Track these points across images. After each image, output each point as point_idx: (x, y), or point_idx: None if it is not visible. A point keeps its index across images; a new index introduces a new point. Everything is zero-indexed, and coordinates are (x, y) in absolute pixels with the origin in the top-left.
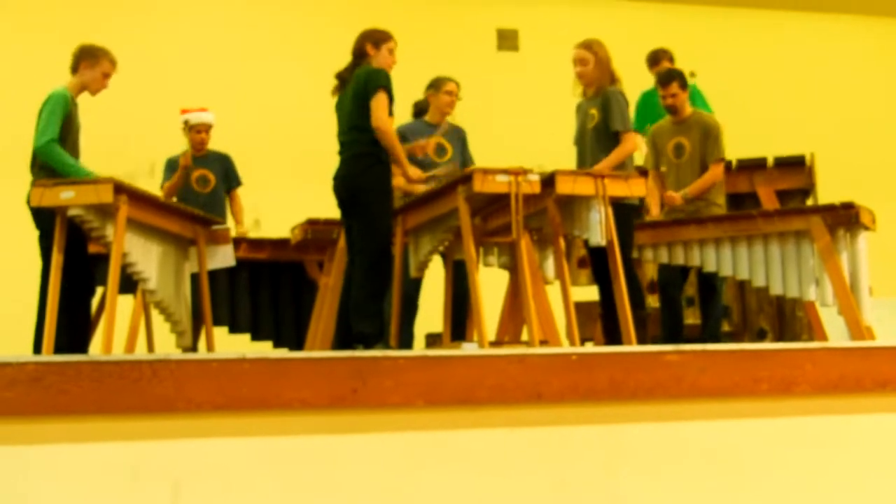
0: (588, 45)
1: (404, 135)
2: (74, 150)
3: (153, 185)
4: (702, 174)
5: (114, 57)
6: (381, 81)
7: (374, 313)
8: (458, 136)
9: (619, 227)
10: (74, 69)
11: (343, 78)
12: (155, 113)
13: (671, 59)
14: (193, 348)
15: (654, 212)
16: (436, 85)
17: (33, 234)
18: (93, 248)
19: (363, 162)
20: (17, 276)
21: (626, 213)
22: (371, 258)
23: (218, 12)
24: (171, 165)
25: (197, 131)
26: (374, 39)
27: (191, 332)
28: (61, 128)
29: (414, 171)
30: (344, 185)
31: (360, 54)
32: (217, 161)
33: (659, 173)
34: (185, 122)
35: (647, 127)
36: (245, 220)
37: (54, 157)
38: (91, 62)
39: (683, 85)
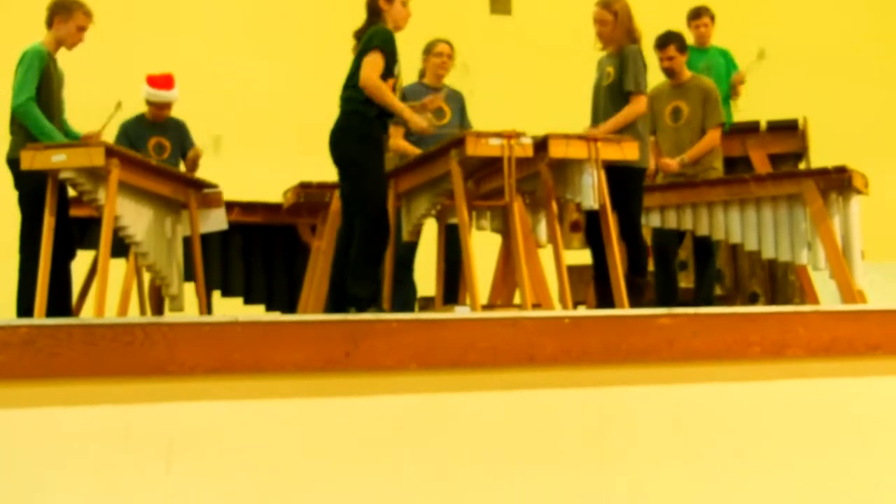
0: (607, 4)
1: (404, 96)
2: (58, 106)
3: None
4: (699, 139)
5: (88, 9)
6: (376, 42)
7: (370, 277)
8: (456, 101)
9: (627, 191)
10: (49, 24)
11: (360, 36)
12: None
13: (712, 18)
14: (209, 312)
15: (651, 172)
16: (428, 48)
17: (6, 194)
18: (84, 212)
19: (351, 119)
20: None
21: (635, 177)
22: (367, 221)
23: None
24: (125, 130)
25: (160, 108)
26: None
27: (183, 296)
28: (39, 84)
29: (417, 120)
30: (332, 142)
31: (374, 10)
32: (173, 129)
33: (655, 137)
34: (156, 99)
35: None
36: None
37: (31, 117)
38: (64, 16)
39: (681, 48)
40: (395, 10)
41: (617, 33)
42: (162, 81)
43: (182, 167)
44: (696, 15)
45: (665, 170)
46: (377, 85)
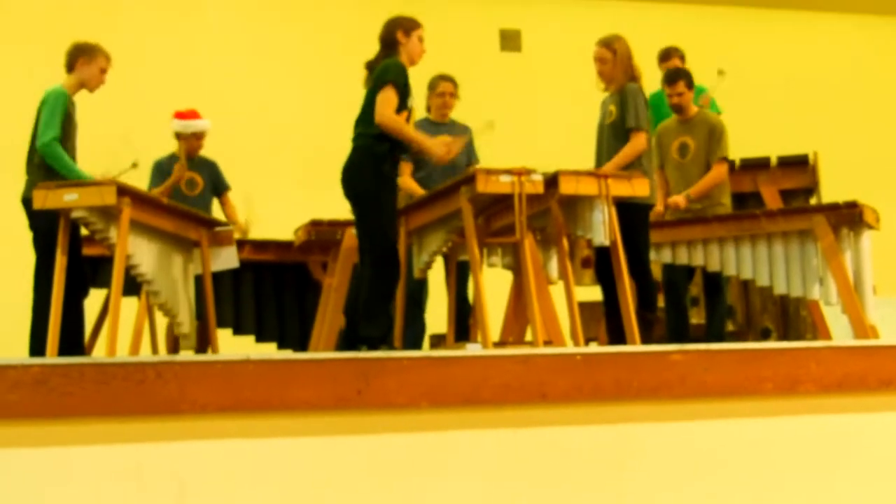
0: (608, 43)
1: None
2: (72, 150)
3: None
4: (706, 174)
5: (107, 52)
6: (390, 75)
7: (381, 315)
8: (463, 135)
9: (634, 227)
10: (70, 67)
11: (372, 67)
12: (158, 115)
13: (682, 58)
14: (203, 350)
15: (659, 210)
16: (431, 86)
17: (25, 233)
18: (96, 251)
19: (362, 156)
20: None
21: (642, 214)
22: (375, 259)
23: (221, 12)
24: (159, 168)
25: (197, 138)
26: (404, 27)
27: (195, 334)
28: (61, 126)
29: (436, 150)
30: (344, 179)
31: (389, 43)
32: (205, 166)
33: (663, 173)
34: (186, 129)
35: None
36: (240, 220)
37: (56, 156)
38: (88, 58)
39: (690, 84)
40: (412, 45)
41: (617, 71)
42: (190, 114)
43: (229, 211)
44: (666, 56)
45: (673, 207)
46: (393, 119)
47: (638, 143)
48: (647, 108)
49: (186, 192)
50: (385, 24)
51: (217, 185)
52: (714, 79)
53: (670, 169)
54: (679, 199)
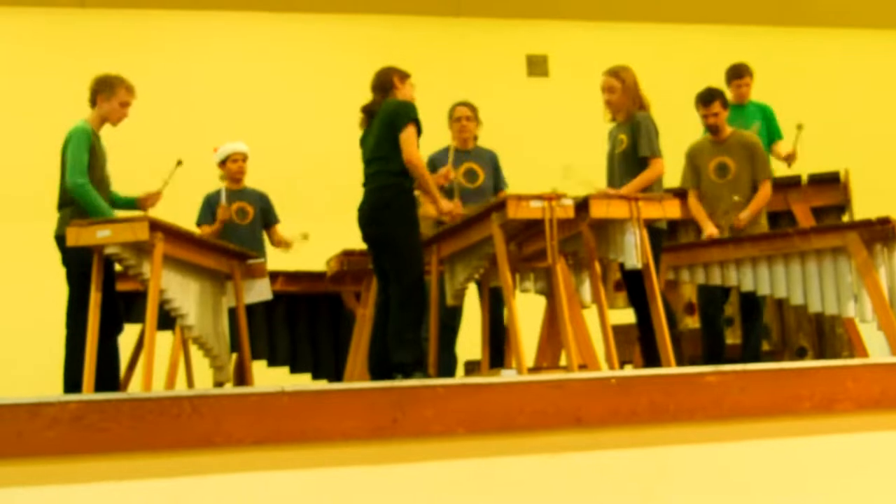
0: (615, 73)
1: (433, 163)
2: (102, 182)
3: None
4: (745, 193)
5: (130, 84)
6: (411, 114)
7: (411, 342)
8: (489, 160)
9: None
10: (93, 102)
11: (370, 111)
12: (189, 151)
13: (751, 75)
14: (244, 383)
15: (710, 230)
16: (449, 115)
17: (56, 269)
18: (130, 286)
19: (387, 193)
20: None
21: (653, 237)
22: (404, 289)
23: (249, 48)
24: (208, 202)
25: (234, 161)
26: (399, 74)
27: (229, 367)
28: (87, 162)
29: (445, 204)
30: (369, 217)
31: (386, 87)
32: (255, 197)
33: (698, 193)
34: (222, 156)
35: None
36: (292, 239)
37: (86, 196)
38: (108, 93)
39: (725, 104)
40: (407, 89)
41: (625, 100)
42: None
43: (276, 238)
44: (739, 74)
45: (738, 227)
46: (422, 164)
47: (656, 169)
48: (658, 136)
49: (238, 222)
50: (378, 73)
51: (267, 217)
52: (793, 133)
53: (706, 189)
54: (741, 221)
